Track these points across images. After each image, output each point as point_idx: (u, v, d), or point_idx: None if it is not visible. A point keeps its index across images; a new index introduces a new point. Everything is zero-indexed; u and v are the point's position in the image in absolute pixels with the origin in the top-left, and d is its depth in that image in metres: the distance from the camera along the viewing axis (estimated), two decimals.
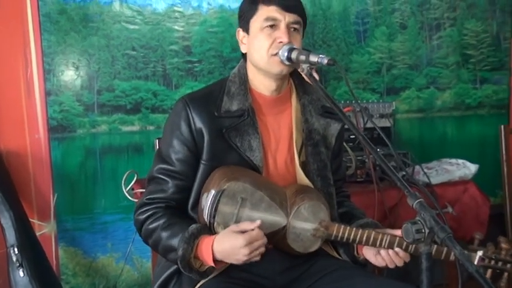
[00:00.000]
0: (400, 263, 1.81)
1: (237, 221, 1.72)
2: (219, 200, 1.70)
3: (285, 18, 1.81)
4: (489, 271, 1.87)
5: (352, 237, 1.79)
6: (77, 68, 3.16)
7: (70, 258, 3.16)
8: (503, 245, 1.87)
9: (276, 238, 1.78)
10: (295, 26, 1.83)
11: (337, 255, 1.95)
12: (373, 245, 1.80)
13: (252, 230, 1.68)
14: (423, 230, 1.35)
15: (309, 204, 1.78)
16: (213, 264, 1.72)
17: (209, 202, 1.71)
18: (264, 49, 1.81)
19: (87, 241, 3.18)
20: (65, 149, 3.17)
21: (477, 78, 3.70)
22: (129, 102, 3.23)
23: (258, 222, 1.69)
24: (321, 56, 1.69)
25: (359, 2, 3.53)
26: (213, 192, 1.71)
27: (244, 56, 1.93)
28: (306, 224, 1.78)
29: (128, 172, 2.67)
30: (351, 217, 1.98)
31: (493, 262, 1.86)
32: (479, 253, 1.83)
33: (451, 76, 3.66)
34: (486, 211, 2.85)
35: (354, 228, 1.79)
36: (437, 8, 3.62)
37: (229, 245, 1.68)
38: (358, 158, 2.79)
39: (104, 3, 3.17)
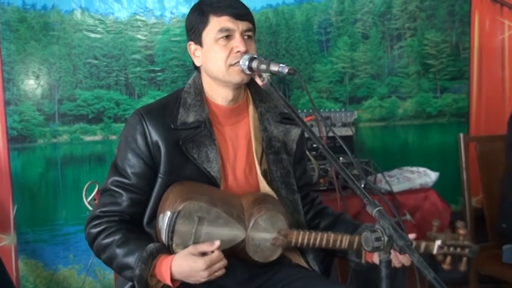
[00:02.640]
0: (406, 262, 1.79)
1: (196, 240, 1.71)
2: (175, 222, 1.69)
3: (238, 27, 1.80)
4: (449, 258, 1.89)
5: (312, 241, 1.79)
6: (37, 77, 3.11)
7: (31, 271, 3.10)
8: (461, 231, 1.89)
9: (236, 251, 1.78)
10: (249, 33, 1.83)
11: (304, 263, 1.94)
12: (334, 246, 1.81)
13: (212, 251, 1.68)
14: (382, 238, 1.37)
15: (266, 216, 1.77)
16: (170, 284, 1.71)
17: (165, 224, 1.70)
18: (222, 60, 1.80)
19: (48, 253, 3.13)
20: (25, 160, 3.11)
21: (437, 88, 3.75)
22: (91, 111, 3.20)
23: (217, 243, 1.69)
24: (281, 65, 1.70)
25: (322, 12, 3.56)
26: (168, 213, 1.70)
27: (197, 68, 1.92)
28: (265, 234, 1.78)
29: (88, 183, 2.63)
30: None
31: (452, 249, 1.88)
32: (438, 242, 1.86)
33: (412, 85, 3.71)
34: (447, 218, 2.90)
35: (313, 233, 1.80)
36: (398, 18, 3.67)
37: (189, 268, 1.68)
38: (321, 166, 2.81)
39: (65, 11, 3.13)
